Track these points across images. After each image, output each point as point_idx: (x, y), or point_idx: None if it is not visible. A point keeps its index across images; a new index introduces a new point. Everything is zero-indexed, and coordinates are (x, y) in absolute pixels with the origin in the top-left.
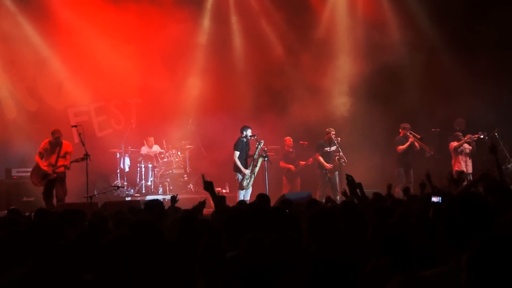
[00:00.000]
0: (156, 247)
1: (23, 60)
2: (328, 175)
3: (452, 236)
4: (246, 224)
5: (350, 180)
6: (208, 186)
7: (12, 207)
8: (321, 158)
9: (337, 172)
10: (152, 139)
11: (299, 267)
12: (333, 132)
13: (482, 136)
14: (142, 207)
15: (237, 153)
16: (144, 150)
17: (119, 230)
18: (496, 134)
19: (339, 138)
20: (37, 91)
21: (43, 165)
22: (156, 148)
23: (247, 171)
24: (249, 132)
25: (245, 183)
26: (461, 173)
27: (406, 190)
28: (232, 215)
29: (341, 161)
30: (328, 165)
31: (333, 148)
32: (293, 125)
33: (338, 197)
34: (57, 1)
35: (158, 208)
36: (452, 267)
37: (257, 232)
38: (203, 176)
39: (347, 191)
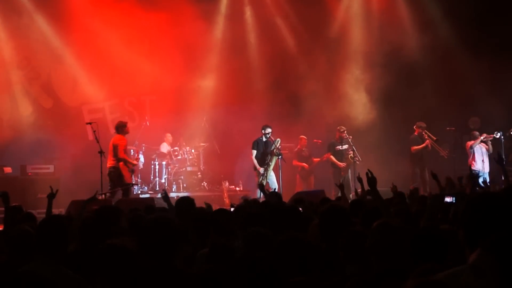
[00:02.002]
0: (172, 244)
1: (39, 57)
2: (342, 173)
3: (470, 236)
4: (258, 222)
5: (370, 176)
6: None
7: (14, 204)
8: (333, 157)
9: (349, 171)
10: (169, 135)
11: (310, 268)
12: (345, 130)
13: (497, 136)
14: (156, 204)
15: (254, 152)
16: (165, 147)
17: (114, 240)
18: (511, 133)
19: (351, 136)
20: (52, 88)
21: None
22: (166, 146)
23: (261, 169)
24: (268, 131)
25: (260, 180)
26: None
27: (414, 191)
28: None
29: (355, 159)
30: (341, 164)
31: (345, 146)
32: (308, 123)
33: (351, 196)
34: None
35: (188, 205)
36: (466, 267)
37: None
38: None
39: (358, 190)
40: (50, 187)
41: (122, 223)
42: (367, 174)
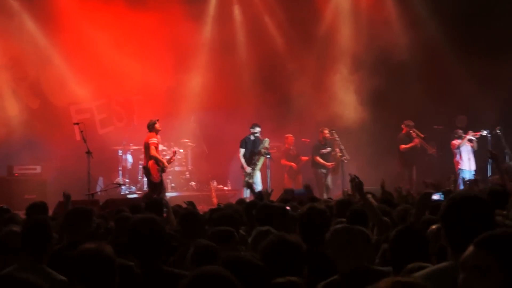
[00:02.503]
0: (159, 245)
1: (26, 57)
2: (332, 174)
3: (451, 236)
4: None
5: (356, 181)
6: None
7: (1, 206)
8: (320, 159)
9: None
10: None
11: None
12: (327, 131)
13: (484, 134)
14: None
15: (241, 150)
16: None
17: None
18: (498, 131)
19: (337, 138)
20: (39, 88)
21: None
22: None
23: (248, 168)
24: (257, 130)
25: (246, 179)
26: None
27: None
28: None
29: (343, 159)
30: (329, 164)
31: (329, 149)
32: (297, 122)
33: (324, 195)
34: None
35: (159, 207)
36: (450, 265)
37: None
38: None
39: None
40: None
41: (93, 224)
42: (353, 179)
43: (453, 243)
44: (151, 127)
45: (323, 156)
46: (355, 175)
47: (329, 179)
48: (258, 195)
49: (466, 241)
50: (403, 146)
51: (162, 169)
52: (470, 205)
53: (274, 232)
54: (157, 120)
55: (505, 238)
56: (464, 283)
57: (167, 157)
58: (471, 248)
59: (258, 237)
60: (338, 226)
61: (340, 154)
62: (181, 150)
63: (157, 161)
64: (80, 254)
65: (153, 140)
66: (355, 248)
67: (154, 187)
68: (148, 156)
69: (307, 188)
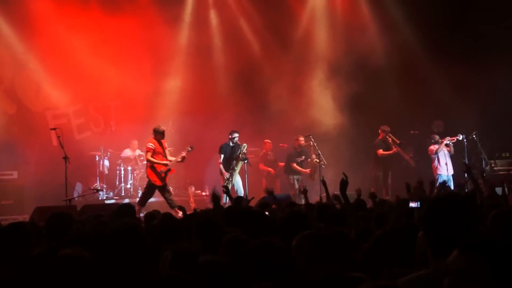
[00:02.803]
0: (138, 251)
1: (1, 62)
2: (310, 179)
3: (433, 240)
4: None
5: (344, 180)
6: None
7: None
8: (297, 166)
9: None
10: (136, 142)
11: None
12: (302, 138)
13: (460, 138)
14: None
15: (221, 157)
16: (127, 152)
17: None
18: (474, 136)
19: (312, 143)
20: (15, 93)
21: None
22: (137, 152)
23: (227, 174)
24: (235, 136)
25: (225, 185)
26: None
27: (372, 195)
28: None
29: (321, 163)
30: (306, 170)
31: (303, 157)
32: (275, 128)
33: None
34: (35, 3)
35: (131, 212)
36: (432, 271)
37: (237, 235)
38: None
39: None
40: None
41: (73, 230)
42: (342, 178)
43: (434, 247)
44: (154, 132)
45: (298, 164)
46: (344, 173)
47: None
48: (236, 201)
49: (447, 246)
50: (381, 152)
51: (161, 173)
52: (452, 209)
53: (243, 238)
54: (164, 129)
55: (489, 242)
56: (449, 287)
57: (183, 154)
58: (455, 253)
59: (228, 242)
60: (306, 232)
61: (316, 160)
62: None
63: (153, 166)
64: (58, 260)
65: (149, 145)
66: (324, 254)
67: (160, 190)
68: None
69: (270, 193)
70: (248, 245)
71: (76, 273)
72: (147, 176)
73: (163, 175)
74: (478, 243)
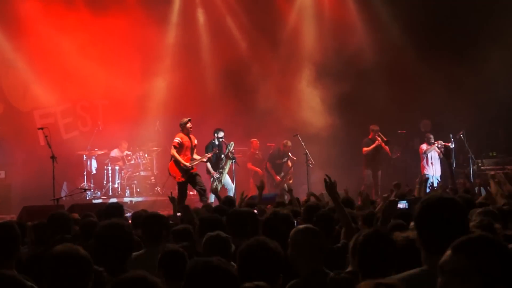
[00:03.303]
0: (126, 250)
1: None
2: (274, 187)
3: (426, 239)
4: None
5: (328, 181)
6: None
7: None
8: (271, 169)
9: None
10: (125, 143)
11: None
12: (290, 145)
13: (452, 146)
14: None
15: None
16: (116, 152)
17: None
18: (461, 135)
19: (300, 139)
20: (2, 93)
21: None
22: (125, 152)
23: (215, 174)
24: (221, 135)
25: (214, 185)
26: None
27: (361, 193)
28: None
29: (308, 163)
30: (277, 178)
31: (284, 159)
32: (262, 127)
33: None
34: (22, 3)
35: (118, 212)
36: (425, 269)
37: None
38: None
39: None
40: None
41: (74, 229)
42: (325, 179)
43: (427, 246)
44: (180, 126)
45: (276, 165)
46: (327, 176)
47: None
48: (225, 201)
49: (440, 245)
50: (365, 148)
51: (185, 170)
52: (444, 208)
53: (224, 236)
54: (189, 119)
55: (482, 242)
56: (442, 287)
57: (209, 155)
58: (448, 252)
59: (209, 242)
60: (301, 226)
61: (289, 163)
62: (146, 155)
63: (176, 161)
64: (55, 256)
65: (175, 139)
66: (316, 249)
67: (178, 187)
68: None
69: (260, 188)
70: (229, 244)
71: (74, 268)
72: (168, 171)
73: (181, 179)
74: (470, 243)
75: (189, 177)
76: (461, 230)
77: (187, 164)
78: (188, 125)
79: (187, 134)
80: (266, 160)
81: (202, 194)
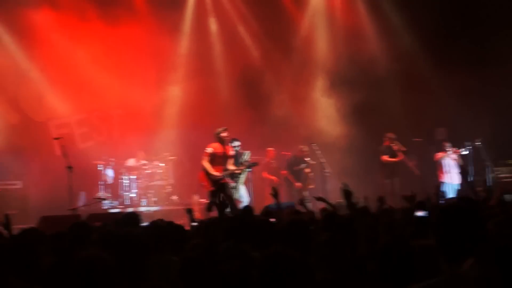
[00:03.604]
0: (142, 260)
1: (4, 73)
2: (294, 197)
3: (445, 248)
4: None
5: (346, 190)
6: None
7: None
8: (290, 176)
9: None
10: (142, 153)
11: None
12: (306, 150)
13: (464, 153)
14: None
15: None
16: (132, 162)
17: (91, 249)
18: (478, 143)
19: (316, 148)
20: (18, 103)
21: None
22: (141, 162)
23: (232, 184)
24: (236, 144)
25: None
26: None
27: (380, 199)
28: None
29: (325, 172)
30: (298, 184)
31: (302, 165)
32: (277, 136)
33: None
34: (38, 14)
35: (135, 221)
36: (445, 278)
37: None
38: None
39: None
40: None
41: (93, 238)
42: (342, 187)
43: (447, 254)
44: (215, 136)
45: (295, 172)
46: (344, 183)
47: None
48: (245, 211)
49: (459, 253)
50: (386, 158)
51: (215, 180)
52: (463, 216)
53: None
54: (224, 128)
55: (505, 250)
56: None
57: (231, 167)
58: (471, 260)
59: (226, 251)
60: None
61: (308, 170)
62: (162, 164)
63: (205, 171)
64: (81, 261)
65: (207, 149)
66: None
67: (210, 196)
68: None
69: (274, 195)
70: (246, 254)
71: (98, 274)
72: (199, 179)
73: (210, 188)
74: (494, 251)
75: (219, 187)
76: (480, 238)
77: (217, 174)
78: (223, 134)
79: (222, 144)
80: (283, 168)
81: (226, 206)
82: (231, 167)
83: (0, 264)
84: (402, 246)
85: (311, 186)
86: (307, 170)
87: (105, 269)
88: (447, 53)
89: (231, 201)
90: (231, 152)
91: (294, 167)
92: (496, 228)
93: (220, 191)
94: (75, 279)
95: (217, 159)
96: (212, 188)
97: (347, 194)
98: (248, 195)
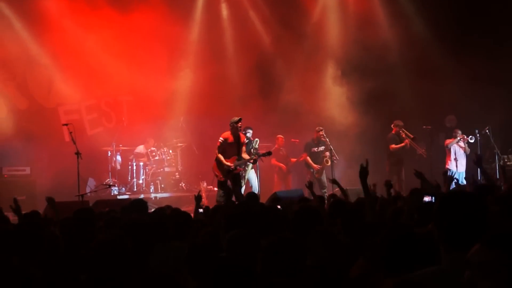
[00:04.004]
0: (147, 247)
1: (14, 58)
2: (316, 175)
3: (447, 235)
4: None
5: (364, 167)
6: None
7: None
8: (309, 159)
9: (324, 172)
10: (152, 140)
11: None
12: (322, 130)
13: (471, 141)
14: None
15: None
16: (141, 149)
17: (112, 231)
18: (487, 131)
19: (327, 139)
20: (27, 89)
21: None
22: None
23: (241, 171)
24: (249, 132)
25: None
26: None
27: (387, 183)
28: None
29: (333, 159)
30: (316, 166)
31: (321, 148)
32: (286, 123)
33: (326, 195)
34: (49, 0)
35: (143, 208)
36: (446, 266)
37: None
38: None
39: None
40: None
41: (98, 224)
42: (361, 165)
43: (447, 242)
44: (230, 125)
45: (313, 154)
46: (365, 160)
47: (323, 176)
48: (249, 197)
49: (460, 240)
50: (393, 146)
51: (228, 170)
52: (464, 203)
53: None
54: (239, 118)
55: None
56: (469, 280)
57: (246, 156)
58: (478, 246)
59: (233, 238)
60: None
61: (327, 159)
62: (170, 151)
63: (218, 160)
64: (103, 243)
65: (219, 139)
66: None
67: (218, 185)
68: None
69: (309, 187)
70: (253, 241)
71: (119, 257)
72: (212, 169)
73: (222, 178)
74: (503, 238)
75: (232, 177)
76: (482, 225)
77: (230, 164)
78: (238, 124)
79: (235, 133)
80: (303, 151)
81: (236, 196)
82: (244, 155)
83: (5, 248)
84: (406, 234)
85: (328, 164)
86: (326, 153)
87: (125, 252)
88: (458, 40)
89: (238, 190)
90: (245, 140)
91: (312, 149)
92: (503, 215)
93: (232, 181)
94: (96, 261)
95: (230, 148)
96: (223, 179)
97: (363, 172)
98: (257, 181)
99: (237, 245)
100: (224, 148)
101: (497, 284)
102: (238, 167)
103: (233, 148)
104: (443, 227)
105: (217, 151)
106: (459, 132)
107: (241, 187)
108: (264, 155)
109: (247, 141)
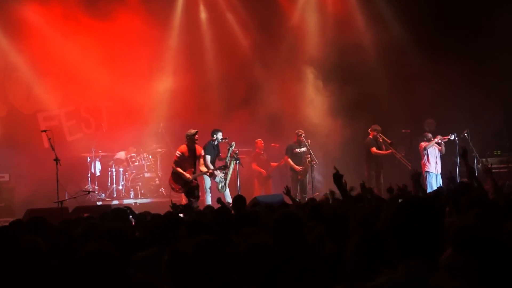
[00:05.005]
0: (127, 254)
1: None
2: (299, 177)
3: (400, 243)
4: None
5: (335, 172)
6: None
7: None
8: (290, 161)
9: (308, 175)
10: (133, 149)
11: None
12: (303, 133)
13: (452, 138)
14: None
15: (208, 157)
16: (121, 155)
17: (99, 242)
18: (466, 134)
19: (309, 140)
20: (5, 96)
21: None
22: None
23: (220, 174)
24: (219, 135)
25: (219, 187)
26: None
27: (390, 190)
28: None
29: (313, 163)
30: (298, 167)
31: (303, 149)
32: (265, 127)
33: (306, 199)
34: (25, 6)
35: (123, 216)
36: (400, 273)
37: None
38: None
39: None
40: None
41: (76, 231)
42: (333, 174)
43: (402, 249)
44: (186, 137)
45: (296, 156)
46: (334, 167)
47: (306, 178)
48: (237, 200)
49: (415, 248)
50: (375, 150)
51: (185, 182)
52: (420, 211)
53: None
54: (196, 131)
55: (481, 241)
56: (438, 281)
57: (203, 169)
58: (449, 250)
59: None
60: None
61: (309, 160)
62: (150, 157)
63: (175, 173)
64: (90, 254)
65: (176, 153)
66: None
67: (187, 195)
68: None
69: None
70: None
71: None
72: (169, 182)
73: (180, 191)
74: (472, 243)
75: (188, 189)
76: (436, 232)
77: (188, 176)
78: (195, 136)
79: (191, 146)
80: (284, 154)
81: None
82: (202, 167)
83: None
84: (374, 238)
85: (313, 162)
86: (308, 160)
87: (113, 261)
88: (435, 44)
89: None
90: (202, 153)
91: (294, 150)
92: (475, 220)
93: (188, 194)
94: (83, 271)
95: (186, 161)
96: (181, 192)
97: (337, 177)
98: (231, 187)
99: (203, 252)
100: (180, 161)
101: (465, 285)
102: (194, 180)
103: (189, 161)
104: (398, 235)
105: (173, 165)
106: (430, 135)
107: (198, 198)
108: (234, 159)
109: (216, 144)
